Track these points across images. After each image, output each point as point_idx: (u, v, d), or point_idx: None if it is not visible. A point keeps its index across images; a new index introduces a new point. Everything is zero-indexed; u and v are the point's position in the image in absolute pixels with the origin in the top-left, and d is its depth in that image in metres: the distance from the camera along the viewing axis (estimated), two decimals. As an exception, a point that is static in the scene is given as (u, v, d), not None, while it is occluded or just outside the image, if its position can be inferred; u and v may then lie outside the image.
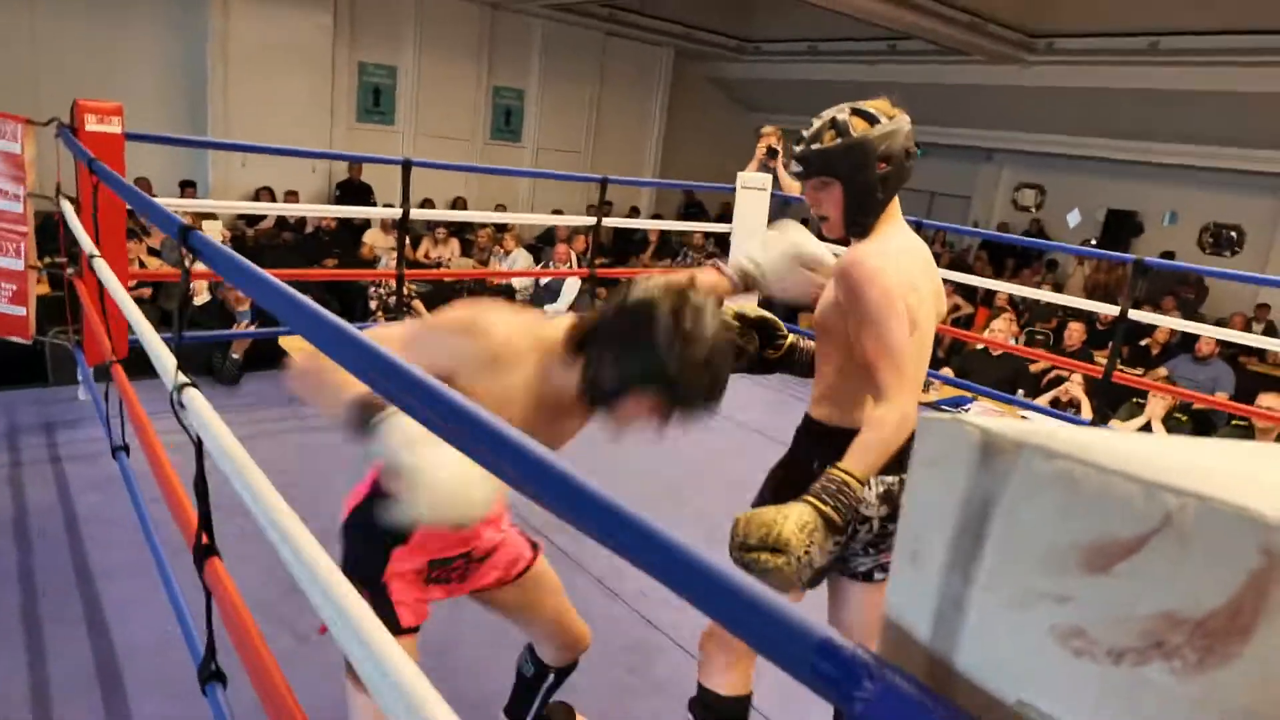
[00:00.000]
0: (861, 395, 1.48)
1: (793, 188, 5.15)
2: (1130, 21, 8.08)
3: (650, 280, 1.21)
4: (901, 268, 1.45)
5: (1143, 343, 7.10)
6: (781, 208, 5.23)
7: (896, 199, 1.50)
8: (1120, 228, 10.86)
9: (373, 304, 5.39)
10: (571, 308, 6.04)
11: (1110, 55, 8.45)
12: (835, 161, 1.44)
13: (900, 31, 9.21)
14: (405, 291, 5.49)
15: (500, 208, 9.50)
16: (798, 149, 1.49)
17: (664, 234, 9.82)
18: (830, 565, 1.52)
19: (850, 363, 1.48)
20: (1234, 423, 4.76)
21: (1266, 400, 4.68)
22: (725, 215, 5.39)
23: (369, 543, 1.36)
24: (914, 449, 0.46)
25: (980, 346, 5.71)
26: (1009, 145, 11.43)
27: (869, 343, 1.40)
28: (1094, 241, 10.90)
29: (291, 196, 8.09)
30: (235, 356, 3.80)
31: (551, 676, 1.73)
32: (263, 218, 7.91)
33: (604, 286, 6.72)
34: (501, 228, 7.61)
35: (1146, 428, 4.73)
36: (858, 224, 1.49)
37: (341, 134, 9.28)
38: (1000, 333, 5.83)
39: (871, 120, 1.44)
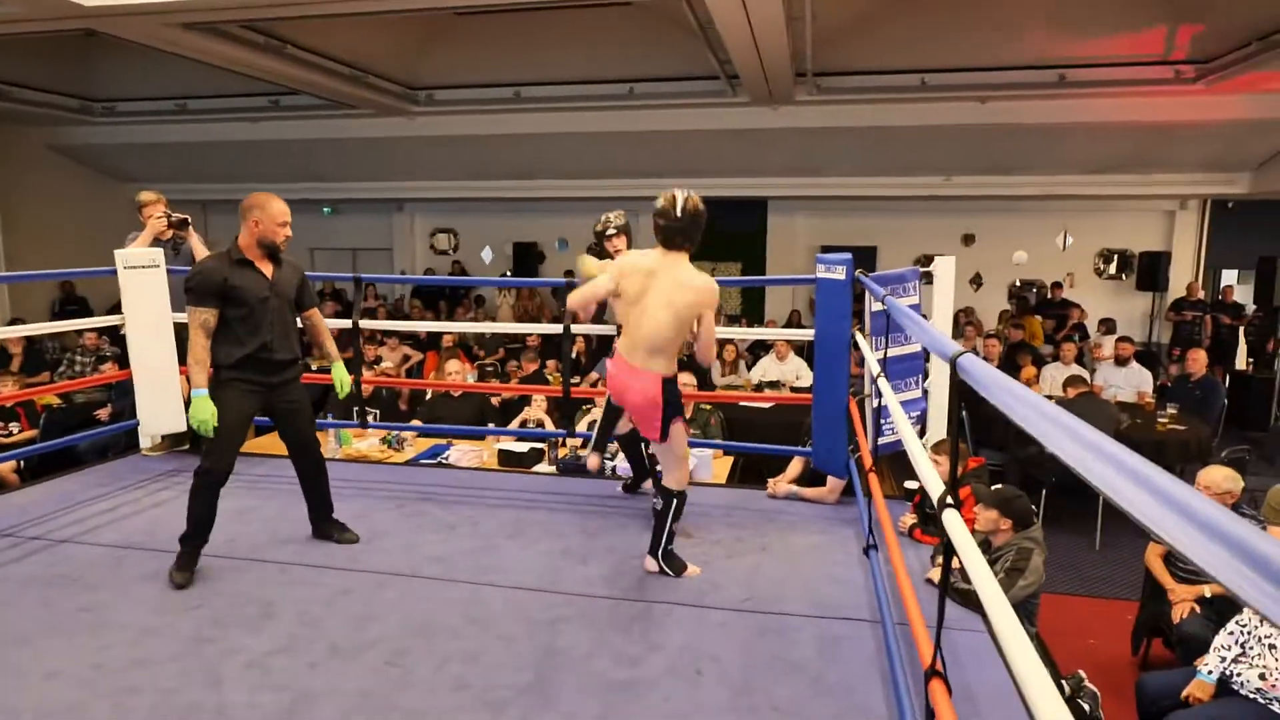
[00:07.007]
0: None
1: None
2: (495, 74, 8.83)
3: None
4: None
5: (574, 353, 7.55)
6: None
7: None
8: (527, 257, 12.22)
9: None
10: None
11: (481, 105, 9.19)
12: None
13: (283, 86, 8.68)
14: None
15: None
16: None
17: (33, 343, 7.48)
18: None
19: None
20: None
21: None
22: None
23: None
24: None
25: (443, 391, 5.57)
26: (416, 194, 11.78)
27: None
28: (509, 273, 12.24)
29: None
30: None
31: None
32: None
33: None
34: None
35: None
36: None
37: None
38: (456, 374, 5.68)
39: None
